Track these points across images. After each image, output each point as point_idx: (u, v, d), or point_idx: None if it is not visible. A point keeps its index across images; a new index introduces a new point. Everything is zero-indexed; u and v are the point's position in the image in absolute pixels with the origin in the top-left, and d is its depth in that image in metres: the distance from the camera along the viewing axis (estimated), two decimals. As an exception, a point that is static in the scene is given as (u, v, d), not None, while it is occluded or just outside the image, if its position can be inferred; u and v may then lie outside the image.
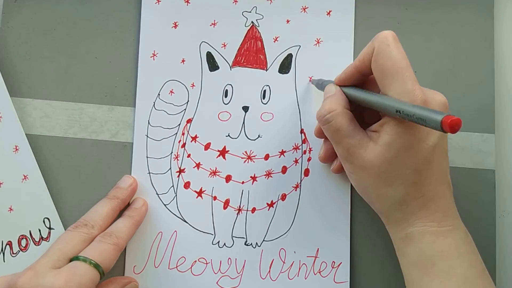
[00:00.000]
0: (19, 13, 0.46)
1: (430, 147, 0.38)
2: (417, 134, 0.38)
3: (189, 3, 0.46)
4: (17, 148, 0.44)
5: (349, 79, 0.42)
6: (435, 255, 0.38)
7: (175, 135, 0.46)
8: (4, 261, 0.43)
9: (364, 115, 0.44)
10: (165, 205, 0.46)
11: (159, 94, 0.46)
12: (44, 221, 0.44)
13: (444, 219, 0.39)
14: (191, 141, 0.46)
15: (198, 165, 0.46)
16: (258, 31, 0.47)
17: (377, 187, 0.39)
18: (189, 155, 0.46)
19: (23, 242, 0.44)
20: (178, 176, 0.46)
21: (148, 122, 0.46)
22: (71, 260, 0.39)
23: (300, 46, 0.47)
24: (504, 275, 0.48)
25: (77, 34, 0.46)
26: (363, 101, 0.40)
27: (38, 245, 0.44)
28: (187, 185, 0.46)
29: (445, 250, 0.38)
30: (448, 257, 0.38)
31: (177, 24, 0.46)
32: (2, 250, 0.44)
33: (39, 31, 0.46)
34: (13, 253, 0.44)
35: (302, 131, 0.46)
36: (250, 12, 0.47)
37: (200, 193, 0.46)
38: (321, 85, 0.45)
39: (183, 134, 0.46)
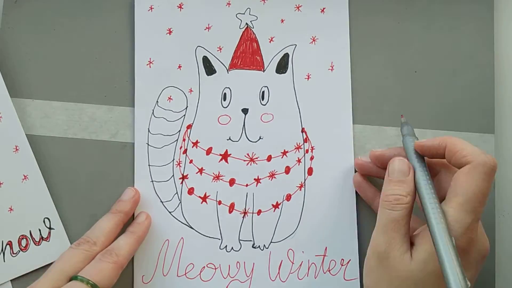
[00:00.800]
0: (19, 13, 0.58)
1: None
2: None
3: (182, 8, 0.59)
4: (17, 148, 0.55)
5: (428, 152, 0.51)
6: None
7: (176, 142, 0.58)
8: (4, 261, 0.54)
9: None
10: (170, 212, 0.57)
11: (157, 102, 0.58)
12: (44, 221, 0.55)
13: None
14: (193, 147, 0.58)
15: (201, 171, 0.58)
16: (253, 33, 0.60)
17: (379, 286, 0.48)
18: (191, 161, 0.58)
19: (23, 242, 0.55)
20: (182, 182, 0.58)
21: (148, 130, 0.58)
22: (70, 279, 0.49)
23: (296, 45, 0.60)
24: (504, 275, 0.60)
25: (77, 34, 0.58)
26: (421, 203, 0.48)
27: (38, 245, 0.55)
28: (191, 191, 0.58)
29: None
30: None
31: (171, 30, 0.59)
32: (2, 250, 0.54)
33: (39, 31, 0.58)
34: (13, 253, 0.54)
35: (303, 130, 0.59)
36: (244, 13, 0.60)
37: (204, 198, 0.58)
38: (407, 130, 0.54)
39: (184, 140, 0.58)
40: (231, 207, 0.59)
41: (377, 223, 0.50)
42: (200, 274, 0.58)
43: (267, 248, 0.58)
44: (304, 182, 0.59)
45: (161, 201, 0.58)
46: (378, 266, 0.49)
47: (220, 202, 0.59)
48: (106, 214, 0.55)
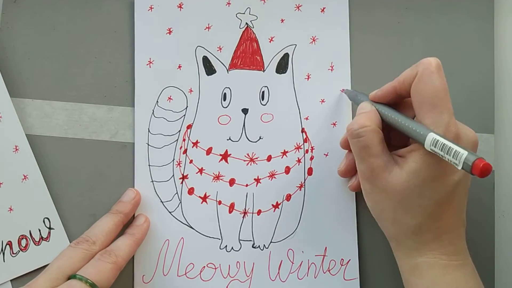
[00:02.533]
0: (18, 13, 0.58)
1: (455, 181, 0.48)
2: (444, 167, 0.48)
3: (182, 8, 0.59)
4: (17, 148, 0.55)
5: (385, 98, 0.52)
6: None
7: (176, 142, 0.58)
8: (4, 261, 0.54)
9: (391, 137, 0.54)
10: (170, 212, 0.57)
11: (157, 102, 0.58)
12: (44, 221, 0.55)
13: (455, 253, 0.50)
14: (193, 147, 0.58)
15: (201, 171, 0.58)
16: (253, 32, 0.60)
17: (394, 212, 0.50)
18: (191, 161, 0.58)
19: (23, 242, 0.55)
20: (182, 182, 0.58)
21: (148, 130, 0.58)
22: (69, 278, 0.49)
23: (296, 45, 0.60)
24: (503, 275, 0.60)
25: (76, 34, 0.58)
26: (396, 123, 0.50)
27: (38, 245, 0.55)
28: (191, 191, 0.58)
29: (453, 283, 0.49)
30: None
31: (171, 30, 0.59)
32: (2, 250, 0.54)
33: (39, 31, 0.58)
34: (13, 253, 0.54)
35: (303, 130, 0.59)
36: (244, 13, 0.60)
37: (204, 198, 0.58)
38: (354, 97, 0.56)
39: (184, 140, 0.58)
40: (231, 207, 0.59)
41: (354, 155, 0.53)
42: (200, 274, 0.58)
43: (267, 248, 0.58)
44: (304, 182, 0.59)
45: (161, 201, 0.58)
46: (372, 188, 0.51)
47: (220, 202, 0.59)
48: (106, 214, 0.55)
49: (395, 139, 0.54)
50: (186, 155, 0.59)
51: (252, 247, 0.58)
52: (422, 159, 0.48)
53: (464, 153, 0.43)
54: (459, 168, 0.43)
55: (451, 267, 0.50)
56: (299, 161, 0.59)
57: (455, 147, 0.44)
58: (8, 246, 0.55)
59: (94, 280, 0.49)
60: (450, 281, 0.49)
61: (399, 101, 0.53)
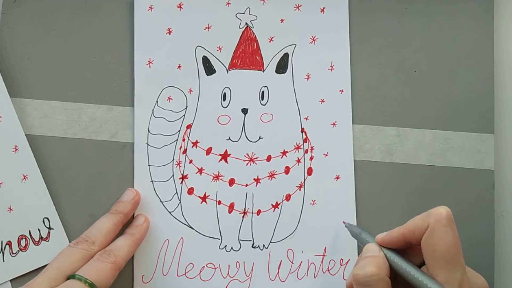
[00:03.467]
0: (18, 13, 0.58)
1: None
2: None
3: (182, 8, 0.59)
4: (17, 148, 0.55)
5: (393, 244, 0.50)
6: None
7: (175, 142, 0.58)
8: (3, 261, 0.54)
9: (397, 285, 0.49)
10: (169, 212, 0.57)
11: (157, 102, 0.58)
12: (43, 221, 0.55)
13: None
14: (192, 147, 0.58)
15: (200, 171, 0.58)
16: (253, 32, 0.60)
17: None
18: (191, 161, 0.58)
19: (23, 242, 0.55)
20: (181, 182, 0.58)
21: (148, 130, 0.58)
22: (68, 278, 0.49)
23: (296, 45, 0.60)
24: (503, 275, 0.60)
25: (76, 34, 0.58)
26: (407, 275, 0.48)
27: (37, 245, 0.55)
28: (190, 191, 0.58)
29: None
30: None
31: (171, 30, 0.59)
32: (1, 250, 0.54)
33: (39, 31, 0.58)
34: (12, 253, 0.54)
35: (302, 130, 0.59)
36: (243, 13, 0.60)
37: (204, 198, 0.58)
38: (358, 234, 0.54)
39: (183, 140, 0.58)
40: (231, 207, 0.59)
41: None
42: (199, 274, 0.58)
43: (267, 248, 0.58)
44: (304, 182, 0.59)
45: (161, 201, 0.58)
46: None
47: (219, 202, 0.59)
48: (106, 214, 0.56)
49: (400, 286, 0.51)
50: (186, 155, 0.59)
51: (252, 247, 0.59)
52: None
53: None
54: None
55: None
56: (298, 161, 0.59)
57: None
58: (7, 246, 0.55)
59: (93, 280, 0.49)
60: None
61: (408, 246, 0.51)
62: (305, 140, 0.60)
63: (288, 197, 0.59)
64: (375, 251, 0.50)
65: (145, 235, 0.57)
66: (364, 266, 0.48)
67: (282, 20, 0.61)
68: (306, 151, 0.60)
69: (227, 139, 0.59)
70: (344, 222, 0.58)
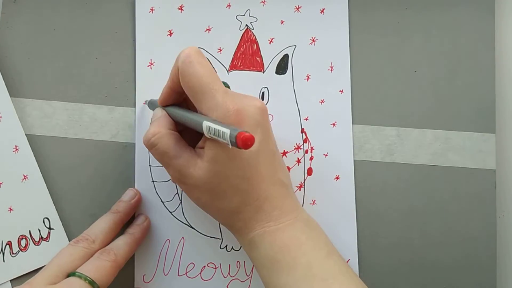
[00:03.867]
0: (18, 13, 0.58)
1: (253, 153, 0.49)
2: None
3: (183, 10, 0.59)
4: (17, 148, 0.56)
5: (168, 100, 0.53)
6: (278, 252, 0.49)
7: (176, 142, 0.57)
8: (4, 261, 0.54)
9: (194, 134, 0.52)
10: (170, 212, 0.58)
11: None
12: (44, 221, 0.55)
13: (281, 216, 0.50)
14: (193, 147, 0.57)
15: (201, 171, 0.58)
16: (253, 34, 0.60)
17: (213, 202, 0.50)
18: (191, 161, 0.58)
19: (23, 242, 0.55)
20: (182, 182, 0.57)
21: None
22: (68, 276, 0.49)
23: (295, 46, 0.60)
24: (505, 275, 0.60)
25: (77, 34, 0.59)
26: (182, 121, 0.50)
27: (38, 245, 0.55)
28: (191, 191, 0.57)
29: (286, 244, 0.49)
30: (289, 250, 0.49)
31: (172, 31, 0.59)
32: (2, 250, 0.54)
33: (39, 31, 0.58)
34: (13, 253, 0.55)
35: (302, 131, 0.59)
36: (243, 15, 0.60)
37: (204, 198, 0.57)
38: (152, 104, 0.56)
39: (184, 140, 0.57)
40: (231, 207, 0.58)
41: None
42: (200, 273, 0.58)
43: None
44: (304, 182, 0.59)
45: (161, 201, 0.58)
46: (187, 187, 0.52)
47: (220, 202, 0.58)
48: (106, 213, 0.56)
49: (198, 135, 0.53)
50: (186, 155, 0.59)
51: (252, 247, 0.58)
52: (215, 144, 0.48)
53: (227, 131, 0.44)
54: (230, 146, 0.44)
55: (280, 229, 0.50)
56: (298, 161, 0.59)
57: (221, 129, 0.44)
58: (8, 246, 0.55)
59: (93, 277, 0.50)
60: (280, 244, 0.49)
61: (186, 97, 0.52)
62: (305, 141, 0.60)
63: (288, 197, 0.59)
64: (158, 114, 0.53)
65: (146, 234, 0.57)
66: (148, 130, 0.51)
67: (282, 22, 0.61)
68: (306, 151, 0.60)
69: (227, 140, 0.59)
70: (145, 101, 0.58)
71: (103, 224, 0.54)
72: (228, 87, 0.56)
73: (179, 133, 0.52)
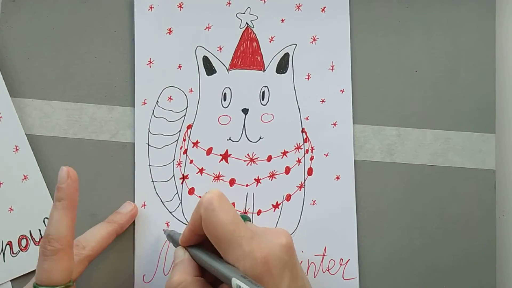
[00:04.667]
0: (18, 12, 0.58)
1: None
2: None
3: (182, 8, 0.59)
4: (17, 148, 0.56)
5: (191, 241, 0.50)
6: None
7: (176, 142, 0.58)
8: (4, 261, 0.55)
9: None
10: (170, 212, 0.58)
11: (157, 102, 0.58)
12: (44, 221, 0.56)
13: None
14: (193, 147, 0.58)
15: (201, 171, 0.58)
16: (253, 32, 0.60)
17: None
18: (191, 161, 0.58)
19: (23, 242, 0.55)
20: (182, 182, 0.58)
21: (148, 130, 0.58)
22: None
23: (296, 44, 0.60)
24: (505, 275, 0.60)
25: (76, 34, 0.59)
26: (207, 268, 0.48)
27: (38, 245, 0.55)
28: (191, 191, 0.58)
29: None
30: None
31: (171, 30, 0.59)
32: (2, 250, 0.55)
33: (38, 31, 0.58)
34: (13, 253, 0.55)
35: (303, 131, 0.59)
36: (244, 13, 0.60)
37: (205, 198, 0.60)
38: (171, 238, 0.54)
39: (184, 140, 0.59)
40: (231, 207, 0.59)
41: None
42: (200, 274, 0.58)
43: None
44: (304, 182, 0.59)
45: (161, 201, 0.59)
46: None
47: (220, 202, 0.59)
48: (101, 222, 0.56)
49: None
50: (187, 155, 0.59)
51: (252, 247, 0.59)
52: None
53: None
54: None
55: None
56: (299, 161, 0.60)
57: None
58: (8, 246, 0.56)
59: (37, 279, 0.48)
60: None
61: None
62: (305, 140, 0.60)
63: (288, 197, 0.59)
64: (180, 255, 0.51)
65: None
66: (172, 275, 0.49)
67: (282, 20, 0.61)
68: (307, 151, 0.60)
69: (227, 139, 0.60)
70: (164, 230, 0.57)
71: (96, 232, 0.55)
72: (249, 220, 0.54)
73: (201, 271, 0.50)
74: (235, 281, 0.44)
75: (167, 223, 0.58)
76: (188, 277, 0.48)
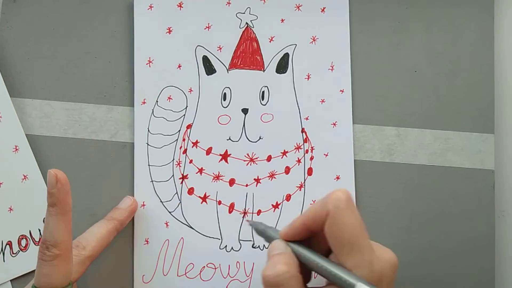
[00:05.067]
0: (18, 13, 0.58)
1: None
2: None
3: (182, 7, 0.59)
4: (17, 148, 0.56)
5: (296, 236, 0.47)
6: None
7: (175, 142, 0.59)
8: (4, 261, 0.55)
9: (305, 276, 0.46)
10: (170, 212, 0.58)
11: (157, 101, 0.58)
12: (44, 221, 0.53)
13: None
14: (192, 147, 0.59)
15: (201, 171, 0.59)
16: (253, 32, 0.60)
17: None
18: (191, 161, 0.59)
19: (23, 242, 0.55)
20: (182, 182, 0.58)
21: (148, 130, 0.58)
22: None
23: (296, 44, 0.60)
24: (504, 275, 0.61)
25: (76, 34, 0.59)
26: (316, 268, 0.45)
27: (38, 245, 0.55)
28: (191, 191, 0.58)
29: None
30: None
31: (171, 29, 0.59)
32: (2, 250, 0.55)
33: (39, 31, 0.58)
34: (13, 253, 0.55)
35: (303, 130, 0.59)
36: (244, 13, 0.60)
37: (204, 198, 0.58)
38: (262, 231, 0.50)
39: (183, 140, 0.59)
40: (231, 207, 0.59)
41: None
42: (200, 273, 0.58)
43: (267, 248, 0.58)
44: (304, 182, 0.60)
45: (161, 201, 0.59)
46: None
47: (220, 202, 0.59)
48: (101, 220, 0.56)
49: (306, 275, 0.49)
50: (186, 155, 0.59)
51: (252, 247, 0.59)
52: None
53: None
54: None
55: None
56: (299, 161, 0.60)
57: None
58: (8, 246, 0.56)
59: (35, 282, 0.48)
60: None
61: (311, 236, 0.48)
62: (305, 140, 0.60)
63: (288, 197, 0.60)
64: (281, 247, 0.47)
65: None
66: (274, 265, 0.45)
67: (282, 20, 0.61)
68: (307, 151, 0.60)
69: (227, 139, 0.60)
70: (248, 221, 0.55)
71: (96, 231, 0.55)
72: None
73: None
74: (361, 286, 0.42)
75: (166, 223, 0.58)
76: (292, 269, 0.45)
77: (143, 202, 0.58)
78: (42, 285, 0.47)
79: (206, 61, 0.60)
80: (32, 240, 0.56)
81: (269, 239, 0.49)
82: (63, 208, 0.47)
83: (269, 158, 0.60)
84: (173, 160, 0.59)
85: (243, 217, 0.59)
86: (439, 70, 0.61)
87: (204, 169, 0.59)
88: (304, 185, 0.60)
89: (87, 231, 0.55)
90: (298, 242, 0.47)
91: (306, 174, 0.60)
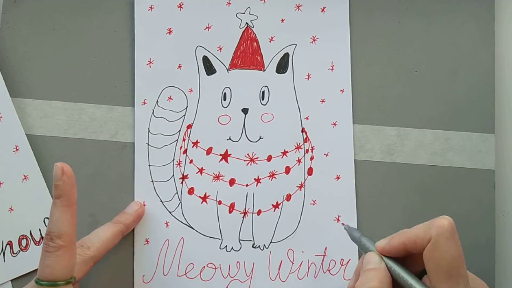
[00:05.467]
0: (18, 13, 0.59)
1: None
2: None
3: (182, 8, 0.59)
4: (17, 148, 0.56)
5: (393, 254, 0.48)
6: None
7: (176, 142, 0.59)
8: (4, 261, 0.55)
9: None
10: (170, 212, 0.58)
11: (157, 102, 0.59)
12: (44, 221, 0.56)
13: None
14: (193, 147, 0.59)
15: (201, 170, 0.59)
16: (253, 32, 0.60)
17: None
18: (191, 161, 0.59)
19: (24, 242, 0.56)
20: (182, 182, 0.59)
21: (148, 130, 0.58)
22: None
23: (296, 44, 0.60)
24: (504, 275, 0.61)
25: (76, 34, 0.59)
26: (406, 287, 0.46)
27: (38, 245, 0.55)
28: (191, 191, 0.59)
29: None
30: None
31: (171, 30, 0.59)
32: (2, 250, 0.55)
33: (39, 31, 0.59)
34: (13, 253, 0.55)
35: (303, 130, 0.59)
36: (244, 13, 0.60)
37: (204, 198, 0.59)
38: (358, 239, 0.51)
39: (184, 140, 0.59)
40: (231, 207, 0.59)
41: None
42: (200, 274, 0.59)
43: (267, 248, 0.59)
44: (304, 182, 0.60)
45: (161, 201, 0.59)
46: None
47: (220, 202, 0.59)
48: (107, 223, 0.56)
49: None
50: (186, 155, 0.59)
51: (252, 247, 0.59)
52: None
53: None
54: None
55: None
56: (299, 161, 0.60)
57: None
58: (8, 246, 0.56)
59: (39, 275, 0.48)
60: None
61: (406, 256, 0.49)
62: (305, 140, 0.60)
63: (288, 197, 0.60)
64: (376, 262, 0.49)
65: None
66: (368, 281, 0.47)
67: (282, 20, 0.61)
68: (307, 151, 0.60)
69: (227, 139, 0.60)
70: (343, 224, 0.57)
71: (101, 233, 0.55)
72: None
73: None
74: None
75: (166, 223, 0.58)
76: (384, 286, 0.47)
77: (143, 202, 0.59)
78: (45, 277, 0.47)
79: (206, 61, 0.61)
80: (33, 240, 0.56)
81: (363, 248, 0.51)
82: (68, 200, 0.48)
83: (269, 158, 0.60)
84: (173, 160, 0.59)
85: (243, 217, 0.59)
86: (440, 69, 0.61)
87: (204, 169, 0.59)
88: (304, 185, 0.60)
89: (92, 233, 0.55)
90: (393, 259, 0.48)
91: (306, 174, 0.60)
